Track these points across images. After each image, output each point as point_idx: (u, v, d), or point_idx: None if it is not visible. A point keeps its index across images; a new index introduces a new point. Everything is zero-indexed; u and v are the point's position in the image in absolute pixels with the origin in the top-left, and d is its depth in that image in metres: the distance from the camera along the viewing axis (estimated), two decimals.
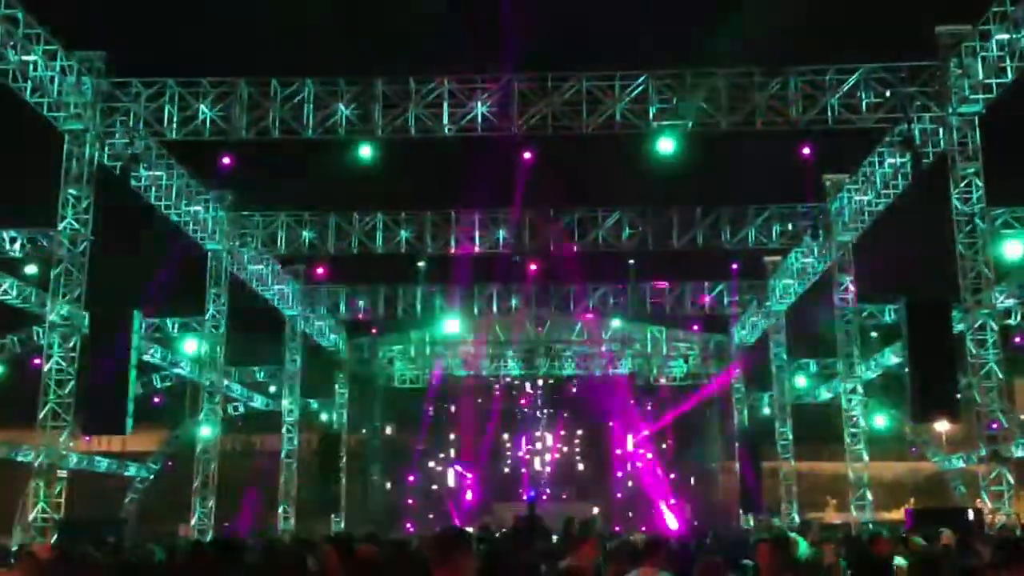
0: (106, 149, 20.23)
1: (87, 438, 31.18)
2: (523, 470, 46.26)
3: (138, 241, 28.00)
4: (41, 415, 18.81)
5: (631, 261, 30.21)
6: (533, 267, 29.56)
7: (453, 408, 44.49)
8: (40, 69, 18.03)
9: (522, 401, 45.69)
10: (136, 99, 19.91)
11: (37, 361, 23.21)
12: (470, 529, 16.82)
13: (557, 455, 47.45)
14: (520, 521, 19.38)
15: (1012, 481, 18.44)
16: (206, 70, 20.47)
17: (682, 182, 25.14)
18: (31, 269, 24.39)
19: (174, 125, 20.07)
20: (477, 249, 26.57)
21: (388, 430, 43.36)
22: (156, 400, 36.27)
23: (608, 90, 19.96)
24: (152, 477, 35.46)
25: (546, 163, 23.02)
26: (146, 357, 29.52)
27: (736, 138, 21.10)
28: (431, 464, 46.35)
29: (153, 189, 22.47)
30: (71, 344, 19.18)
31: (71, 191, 19.47)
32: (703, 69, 20.04)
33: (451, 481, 45.70)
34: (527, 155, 22.09)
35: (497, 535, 17.23)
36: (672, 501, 43.26)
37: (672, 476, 44.11)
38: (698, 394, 40.08)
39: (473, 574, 4.90)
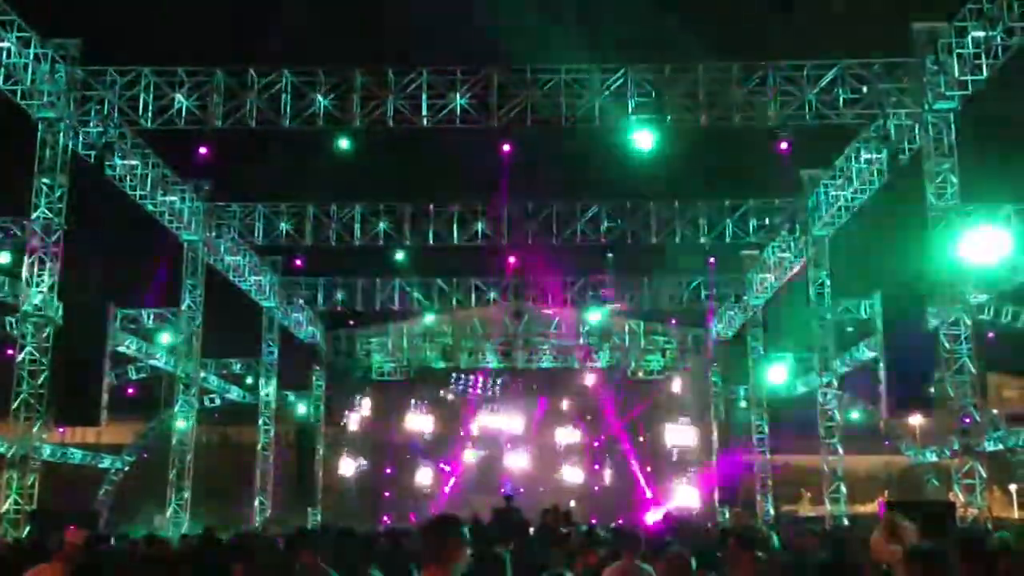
0: (80, 138, 20.03)
1: (61, 429, 30.97)
2: (501, 463, 46.25)
3: (113, 231, 27.76)
4: (14, 406, 18.60)
5: (609, 254, 30.31)
6: (512, 260, 29.56)
7: (429, 401, 44.39)
8: (13, 56, 17.82)
9: (499, 394, 45.61)
10: (111, 87, 19.72)
11: (10, 352, 22.98)
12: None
13: (534, 448, 47.45)
14: (500, 512, 19.41)
15: (984, 475, 18.63)
16: (182, 59, 20.34)
17: (660, 176, 25.21)
18: (3, 259, 24.07)
19: (149, 114, 19.91)
20: (456, 241, 26.56)
21: (365, 423, 43.13)
22: (131, 392, 35.98)
23: (587, 83, 19.98)
24: (127, 469, 35.20)
25: (525, 156, 23.01)
26: (121, 348, 29.30)
27: (714, 132, 21.20)
28: (408, 456, 46.22)
29: (128, 179, 22.28)
30: (44, 335, 18.98)
31: (45, 180, 19.25)
32: (682, 63, 20.09)
33: (428, 473, 45.59)
34: (506, 147, 22.08)
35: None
36: (648, 494, 43.43)
37: (649, 469, 44.25)
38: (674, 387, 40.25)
39: (465, 565, 4.64)
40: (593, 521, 30.25)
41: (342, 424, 41.51)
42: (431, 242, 26.52)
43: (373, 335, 39.12)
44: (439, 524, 4.78)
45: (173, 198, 24.30)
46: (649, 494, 42.93)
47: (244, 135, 20.84)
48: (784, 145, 19.93)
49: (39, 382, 18.70)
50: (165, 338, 30.38)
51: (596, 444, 45.50)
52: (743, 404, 34.56)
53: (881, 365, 24.23)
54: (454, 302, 32.79)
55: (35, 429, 18.91)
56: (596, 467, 46.18)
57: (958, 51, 17.79)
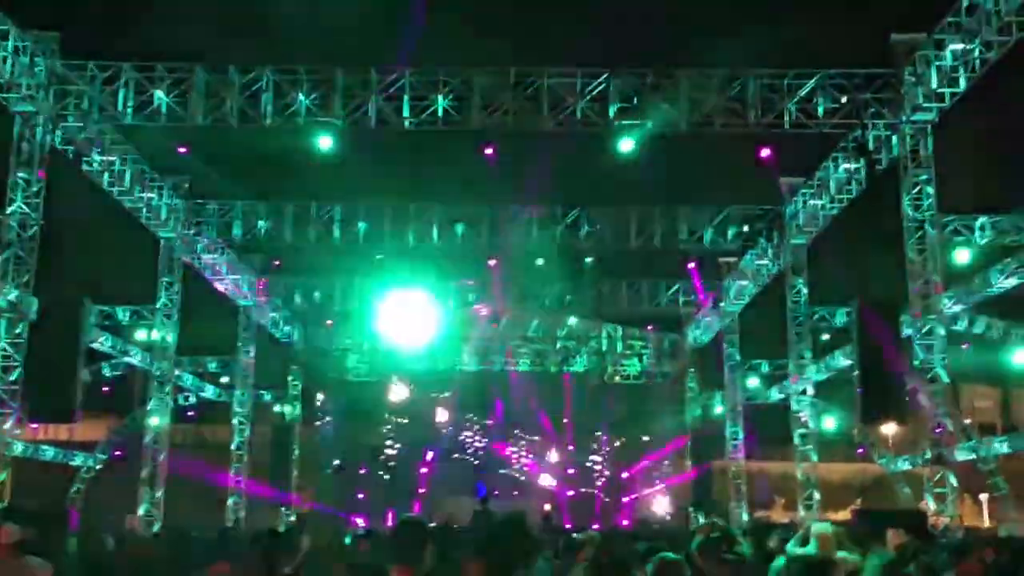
0: (58, 132, 19.86)
1: (33, 426, 30.65)
2: (475, 464, 46.26)
3: (89, 227, 27.51)
4: None
5: (588, 259, 30.39)
6: (491, 262, 29.57)
7: (407, 402, 44.36)
8: None
9: (476, 397, 45.63)
10: (90, 82, 19.57)
11: None
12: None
13: (509, 451, 47.52)
14: (479, 516, 19.43)
15: (955, 484, 18.80)
16: (162, 55, 20.20)
17: (641, 181, 25.32)
18: None
19: (129, 110, 19.76)
20: (435, 243, 26.53)
21: (341, 423, 43.02)
22: (105, 389, 35.67)
23: (569, 87, 20.02)
24: (99, 467, 34.87)
25: (506, 159, 23.04)
26: (95, 345, 29.03)
27: (695, 139, 21.28)
28: (383, 458, 46.15)
29: (106, 175, 22.11)
30: (18, 330, 18.80)
31: (21, 174, 19.09)
32: (664, 69, 20.18)
33: (403, 475, 45.54)
34: (488, 151, 22.11)
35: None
36: (624, 499, 43.59)
37: (624, 475, 44.39)
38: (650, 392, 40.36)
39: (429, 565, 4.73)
40: (568, 525, 30.33)
41: (317, 424, 41.38)
42: (411, 243, 26.49)
43: (350, 336, 39.00)
44: (409, 526, 4.83)
45: (151, 195, 24.13)
46: (624, 499, 43.08)
47: (224, 132, 20.74)
48: (765, 153, 20.06)
49: (12, 378, 18.54)
50: (140, 335, 30.20)
51: (572, 448, 45.64)
52: (718, 410, 34.71)
53: (855, 373, 24.42)
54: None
55: (7, 425, 18.74)
56: (571, 472, 46.34)
57: (936, 63, 17.98)
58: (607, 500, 45.05)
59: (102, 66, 19.69)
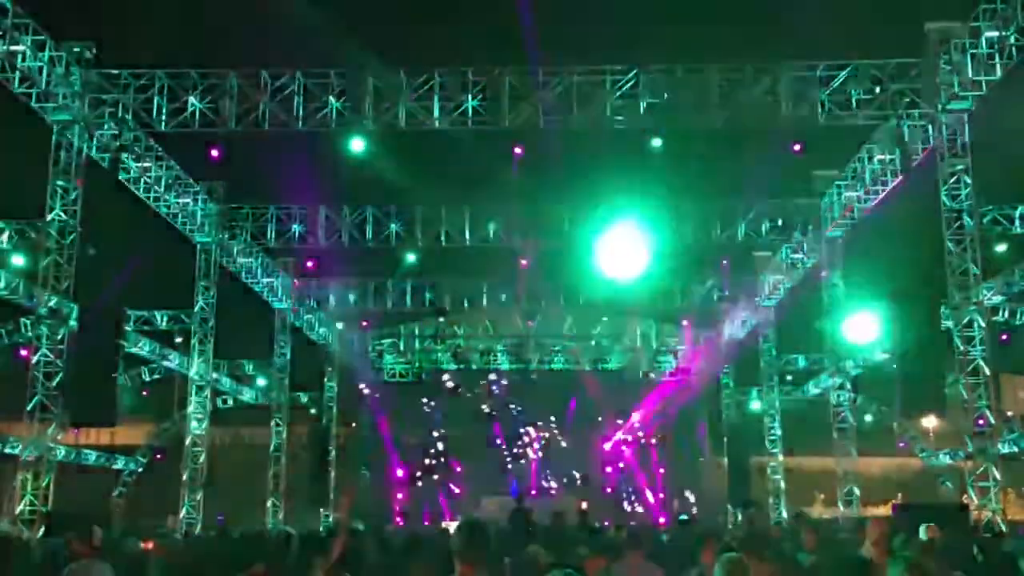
0: (95, 140, 20.14)
1: (75, 431, 31.13)
2: (510, 464, 46.29)
3: (127, 233, 27.87)
4: (29, 407, 18.73)
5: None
6: (524, 262, 29.56)
7: (442, 402, 44.44)
8: (28, 59, 17.92)
9: (511, 395, 45.62)
10: (125, 90, 19.82)
11: (24, 352, 23.12)
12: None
13: (545, 449, 47.45)
14: (515, 515, 19.39)
15: (999, 477, 18.53)
16: (196, 61, 20.43)
17: (672, 177, 25.16)
18: (19, 260, 24.21)
19: (163, 117, 20.00)
20: (468, 243, 26.58)
21: (377, 424, 43.20)
22: (144, 393, 36.18)
23: (599, 85, 19.98)
24: (140, 470, 35.36)
25: (536, 157, 23.01)
26: (135, 350, 29.44)
27: (727, 133, 21.14)
28: (421, 458, 46.24)
29: (142, 181, 22.38)
30: (59, 336, 19.09)
31: (59, 182, 19.39)
32: (694, 65, 20.07)
33: (439, 475, 45.62)
34: (517, 149, 22.09)
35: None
36: (661, 495, 43.42)
37: (661, 471, 44.23)
38: (685, 389, 40.13)
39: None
40: (606, 523, 30.25)
41: (354, 425, 41.60)
42: (443, 243, 26.56)
43: (385, 336, 39.19)
44: (476, 526, 5.02)
45: (186, 200, 24.39)
46: (661, 495, 42.91)
47: (257, 137, 20.90)
48: (797, 147, 19.89)
49: (54, 383, 18.82)
50: (178, 339, 30.53)
51: (608, 446, 45.54)
52: (754, 406, 34.44)
53: (895, 366, 24.17)
54: (465, 303, 32.80)
55: (50, 430, 19.03)
56: (608, 469, 46.22)
57: (971, 51, 17.73)
58: (640, 496, 44.87)
59: (136, 74, 19.95)
